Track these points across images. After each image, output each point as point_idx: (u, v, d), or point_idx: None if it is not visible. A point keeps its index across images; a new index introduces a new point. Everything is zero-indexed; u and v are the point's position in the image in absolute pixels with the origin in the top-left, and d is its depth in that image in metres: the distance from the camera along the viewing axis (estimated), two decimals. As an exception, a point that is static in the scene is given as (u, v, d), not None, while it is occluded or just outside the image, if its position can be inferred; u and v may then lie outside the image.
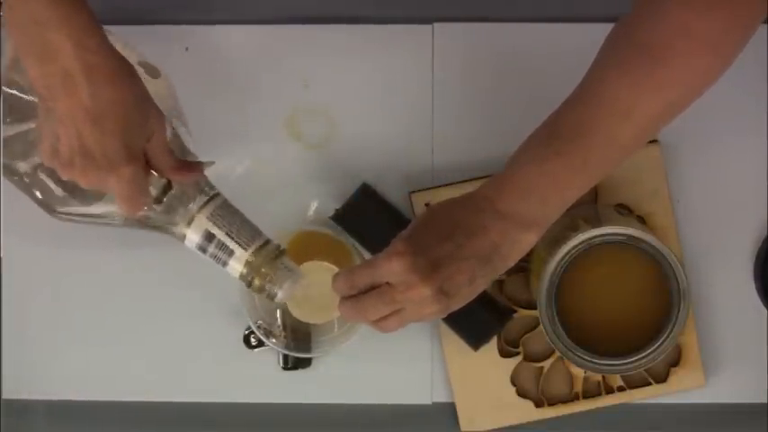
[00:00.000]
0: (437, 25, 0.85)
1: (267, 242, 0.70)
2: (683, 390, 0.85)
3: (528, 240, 0.66)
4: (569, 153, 0.64)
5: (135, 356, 0.86)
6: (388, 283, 0.65)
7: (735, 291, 0.85)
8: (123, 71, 0.63)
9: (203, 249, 0.69)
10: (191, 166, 0.69)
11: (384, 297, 0.65)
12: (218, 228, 0.69)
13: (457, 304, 0.66)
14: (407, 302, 0.65)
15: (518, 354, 0.85)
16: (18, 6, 0.60)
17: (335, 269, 0.77)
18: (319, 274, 0.76)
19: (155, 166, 0.66)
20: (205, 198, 0.70)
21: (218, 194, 0.70)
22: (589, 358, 0.76)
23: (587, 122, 0.64)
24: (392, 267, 0.64)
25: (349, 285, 0.67)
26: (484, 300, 0.83)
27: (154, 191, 0.68)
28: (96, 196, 0.71)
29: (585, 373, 0.84)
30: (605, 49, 0.65)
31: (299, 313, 0.79)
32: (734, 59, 0.62)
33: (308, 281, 0.72)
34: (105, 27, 0.79)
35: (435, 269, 0.64)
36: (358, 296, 0.67)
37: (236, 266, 0.69)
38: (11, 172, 0.73)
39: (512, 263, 0.67)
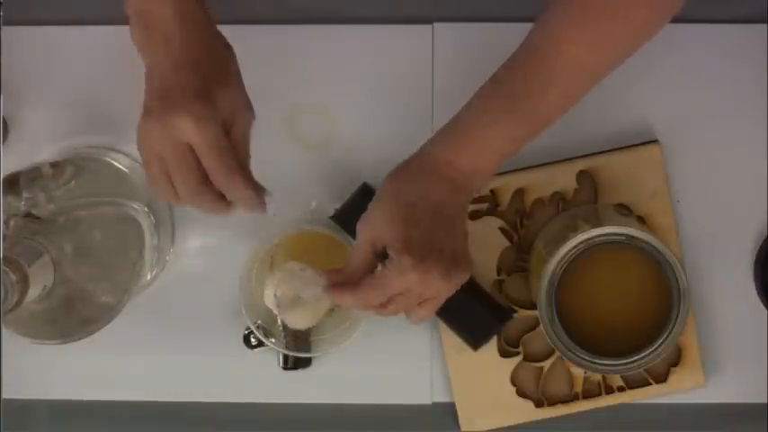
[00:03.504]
0: (437, 25, 0.85)
1: None
2: (683, 390, 0.85)
3: (482, 183, 0.71)
4: (527, 110, 0.67)
5: (135, 356, 0.86)
6: None
7: (735, 291, 0.85)
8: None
9: None
10: (254, 187, 0.69)
11: (410, 301, 0.68)
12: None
13: (468, 269, 0.69)
14: (431, 294, 0.68)
15: (518, 354, 0.85)
16: None
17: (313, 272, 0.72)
18: (296, 278, 0.72)
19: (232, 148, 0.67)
20: None
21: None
22: (589, 358, 0.76)
23: (546, 79, 0.66)
24: (408, 281, 0.66)
25: (356, 301, 0.68)
26: (484, 300, 0.83)
27: None
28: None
29: (585, 373, 0.84)
30: (555, 14, 0.67)
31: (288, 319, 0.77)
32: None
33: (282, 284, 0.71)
34: (107, 27, 0.80)
35: (440, 257, 0.67)
36: (386, 306, 0.68)
37: None
38: None
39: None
